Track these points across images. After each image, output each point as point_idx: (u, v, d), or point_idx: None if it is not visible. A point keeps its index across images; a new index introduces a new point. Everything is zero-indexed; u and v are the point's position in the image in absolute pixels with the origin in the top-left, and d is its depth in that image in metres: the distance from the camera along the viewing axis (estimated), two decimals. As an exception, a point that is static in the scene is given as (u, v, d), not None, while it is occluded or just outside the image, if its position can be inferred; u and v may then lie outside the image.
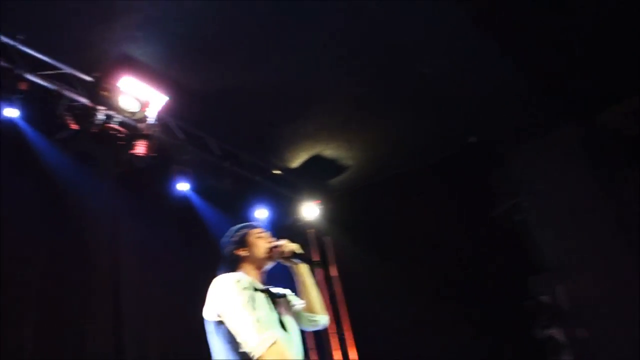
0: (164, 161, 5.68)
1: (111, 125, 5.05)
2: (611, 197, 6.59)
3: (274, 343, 2.28)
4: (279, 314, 2.61)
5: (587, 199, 6.68)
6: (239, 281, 2.52)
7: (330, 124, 6.54)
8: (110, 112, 5.03)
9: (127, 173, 5.29)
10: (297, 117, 6.30)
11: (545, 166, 7.05)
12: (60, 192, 4.86)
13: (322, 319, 2.88)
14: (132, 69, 4.98)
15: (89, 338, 4.30)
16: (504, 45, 5.57)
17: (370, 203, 7.45)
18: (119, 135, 5.11)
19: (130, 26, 4.74)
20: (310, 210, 7.24)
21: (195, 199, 6.08)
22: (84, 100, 4.96)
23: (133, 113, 5.07)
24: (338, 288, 7.28)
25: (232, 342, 2.35)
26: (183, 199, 5.97)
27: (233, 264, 2.79)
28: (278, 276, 2.94)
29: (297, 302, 2.86)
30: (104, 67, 4.94)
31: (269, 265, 2.83)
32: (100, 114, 5.01)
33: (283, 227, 7.17)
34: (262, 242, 2.83)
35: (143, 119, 5.18)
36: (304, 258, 2.86)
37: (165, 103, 5.26)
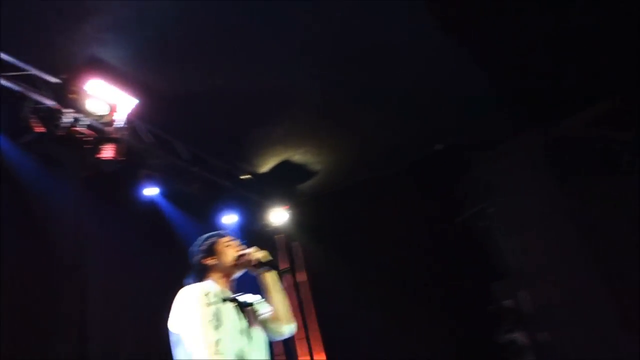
0: (132, 165, 5.60)
1: (78, 129, 4.96)
2: (572, 203, 6.79)
3: None
4: (247, 322, 2.65)
5: (549, 205, 6.86)
6: (205, 295, 2.55)
7: (299, 129, 6.57)
8: (77, 115, 4.93)
9: (94, 177, 5.19)
10: (267, 123, 6.31)
11: (510, 172, 7.21)
12: (25, 196, 4.74)
13: (288, 329, 2.89)
14: (100, 72, 4.90)
15: (53, 345, 4.21)
16: (470, 53, 5.69)
17: (338, 208, 7.50)
18: (85, 138, 5.02)
19: (99, 28, 4.67)
20: (279, 216, 7.25)
21: (164, 204, 6.01)
22: (50, 102, 4.84)
23: (101, 116, 4.98)
24: (306, 293, 7.30)
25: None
26: (151, 203, 5.90)
27: (201, 273, 2.82)
28: (250, 282, 2.94)
29: (265, 311, 2.87)
30: (71, 69, 4.85)
31: (238, 274, 2.86)
32: (67, 117, 4.90)
33: (252, 232, 7.15)
34: (230, 251, 2.86)
35: (111, 123, 5.10)
36: (271, 266, 2.88)
37: (134, 106, 5.19)
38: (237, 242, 2.94)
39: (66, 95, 4.83)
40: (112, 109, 5.04)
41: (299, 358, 6.98)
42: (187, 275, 2.86)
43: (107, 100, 4.98)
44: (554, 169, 6.94)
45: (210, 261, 2.83)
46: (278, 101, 6.00)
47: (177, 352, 2.50)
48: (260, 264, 2.83)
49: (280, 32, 5.07)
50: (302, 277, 7.40)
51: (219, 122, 6.05)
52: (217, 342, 2.39)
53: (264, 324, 2.81)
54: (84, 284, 4.62)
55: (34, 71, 4.81)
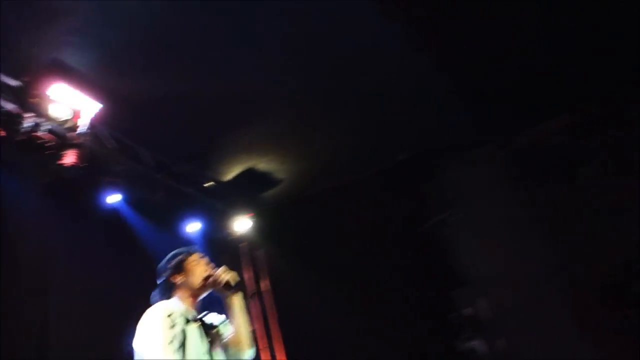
0: (95, 172, 5.47)
1: (39, 134, 4.81)
2: (533, 211, 6.99)
3: None
4: (210, 343, 2.67)
5: (508, 213, 7.05)
6: (169, 316, 2.55)
7: (264, 137, 6.57)
8: (39, 120, 4.79)
9: (55, 184, 5.05)
10: (232, 130, 6.28)
11: (471, 181, 7.37)
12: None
13: (248, 354, 2.89)
14: (64, 75, 4.78)
15: (12, 356, 4.06)
16: (435, 60, 5.81)
17: (302, 216, 7.51)
18: (47, 144, 4.88)
19: (63, 31, 4.56)
20: (243, 224, 7.20)
21: (127, 211, 5.89)
22: (10, 106, 4.69)
23: (64, 121, 4.86)
24: (269, 302, 7.27)
25: None
26: (114, 211, 5.78)
27: (168, 290, 2.83)
28: (215, 300, 2.93)
29: (227, 333, 2.87)
30: (33, 72, 4.71)
31: (204, 294, 2.86)
32: (28, 122, 4.76)
33: (216, 239, 7.08)
34: (198, 270, 2.87)
35: (74, 128, 4.97)
36: (239, 289, 2.88)
37: (98, 112, 5.08)
38: (206, 260, 2.94)
39: (27, 99, 4.70)
40: (75, 114, 4.92)
41: (262, 367, 6.94)
42: (154, 291, 2.85)
43: (70, 104, 4.85)
44: (513, 178, 7.15)
45: (178, 279, 2.83)
46: (243, 109, 5.99)
47: None
48: (229, 286, 2.83)
49: (246, 41, 5.06)
50: (265, 285, 7.37)
51: (184, 128, 5.99)
52: None
53: (225, 346, 2.82)
54: (46, 293, 4.48)
55: (-7, 73, 4.65)
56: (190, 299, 2.80)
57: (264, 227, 7.51)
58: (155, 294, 2.85)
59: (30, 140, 4.76)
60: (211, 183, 6.92)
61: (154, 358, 2.39)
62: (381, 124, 6.64)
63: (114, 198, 5.75)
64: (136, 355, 2.53)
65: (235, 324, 2.85)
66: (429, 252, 7.19)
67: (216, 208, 7.04)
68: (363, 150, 7.10)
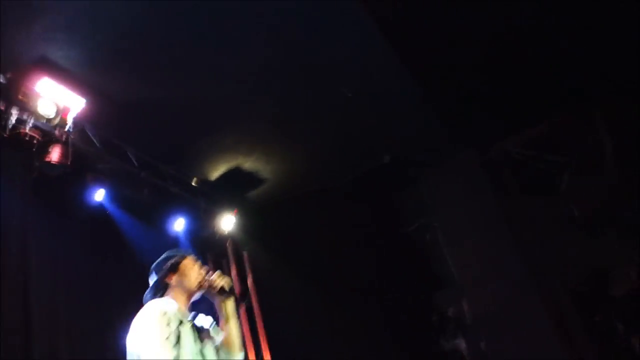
0: (80, 169, 5.44)
1: (24, 131, 4.79)
2: (508, 218, 7.14)
3: None
4: (202, 345, 2.69)
5: (487, 219, 7.19)
6: (165, 313, 2.56)
7: (250, 137, 6.62)
8: (24, 116, 4.77)
9: (39, 181, 5.01)
10: (217, 130, 6.32)
11: (451, 188, 7.53)
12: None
13: (237, 356, 2.93)
14: (50, 72, 4.76)
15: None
16: (412, 73, 5.93)
17: (286, 217, 7.54)
18: (31, 141, 4.85)
19: (49, 28, 4.55)
20: (228, 223, 7.21)
21: (112, 209, 5.87)
22: (-7, 102, 4.66)
23: (49, 118, 4.84)
24: (254, 300, 7.28)
25: None
26: (99, 209, 5.75)
27: (162, 290, 2.85)
28: (204, 302, 2.97)
29: (217, 336, 2.89)
30: (19, 68, 4.69)
31: (197, 296, 2.89)
32: (12, 118, 4.74)
33: (201, 238, 7.08)
34: (194, 273, 2.89)
35: (59, 125, 4.96)
36: (232, 294, 2.93)
37: (83, 109, 5.07)
38: (200, 263, 2.97)
39: (12, 95, 4.68)
40: (61, 111, 4.91)
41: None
42: (147, 291, 2.88)
43: (56, 101, 4.85)
44: (491, 186, 7.31)
45: (172, 279, 2.86)
46: (229, 109, 6.04)
47: None
48: (223, 291, 2.88)
49: (231, 44, 5.14)
50: (250, 283, 7.39)
51: (170, 127, 6.00)
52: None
53: (216, 349, 2.84)
54: (28, 292, 4.45)
55: (-24, 69, 4.61)
56: (183, 301, 2.81)
57: (248, 227, 7.52)
58: (147, 293, 2.87)
59: (15, 136, 4.74)
60: (197, 181, 6.92)
61: (152, 353, 2.39)
62: (360, 131, 6.76)
63: (98, 196, 5.71)
64: (129, 355, 2.51)
65: (227, 328, 2.89)
66: (410, 255, 7.30)
67: (201, 207, 7.04)
68: (345, 156, 7.23)
